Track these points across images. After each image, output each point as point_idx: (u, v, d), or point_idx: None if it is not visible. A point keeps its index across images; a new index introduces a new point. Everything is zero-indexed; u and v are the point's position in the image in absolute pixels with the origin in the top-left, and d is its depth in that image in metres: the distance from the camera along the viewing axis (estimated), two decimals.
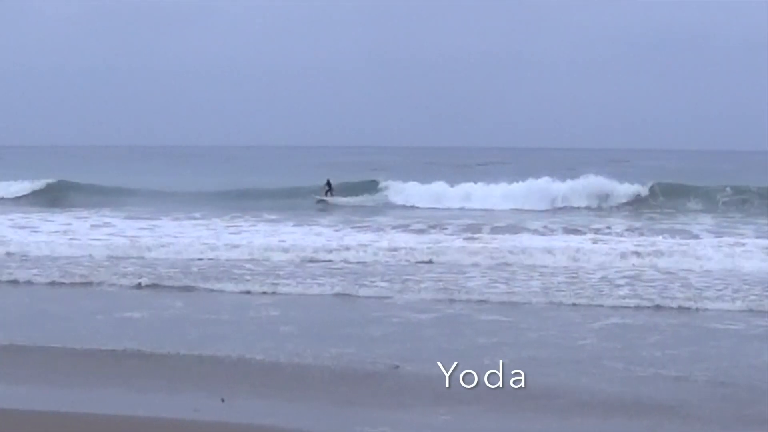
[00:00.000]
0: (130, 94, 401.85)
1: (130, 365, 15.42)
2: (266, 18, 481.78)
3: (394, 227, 36.72)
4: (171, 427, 11.69)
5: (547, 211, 47.39)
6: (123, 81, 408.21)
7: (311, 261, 27.57)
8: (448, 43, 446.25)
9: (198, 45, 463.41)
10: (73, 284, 24.02)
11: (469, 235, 34.10)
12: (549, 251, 28.00)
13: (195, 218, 40.00)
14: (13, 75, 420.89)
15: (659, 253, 27.71)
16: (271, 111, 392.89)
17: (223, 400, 13.02)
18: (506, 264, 26.87)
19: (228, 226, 36.98)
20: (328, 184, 52.86)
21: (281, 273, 25.39)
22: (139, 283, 23.55)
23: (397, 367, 15.06)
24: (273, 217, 41.02)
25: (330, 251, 28.59)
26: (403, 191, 53.32)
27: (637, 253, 27.69)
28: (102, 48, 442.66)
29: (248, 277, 24.48)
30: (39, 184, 57.21)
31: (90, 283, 24.04)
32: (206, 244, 30.09)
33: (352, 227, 36.60)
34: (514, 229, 36.06)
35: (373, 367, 15.35)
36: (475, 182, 53.83)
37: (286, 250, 28.68)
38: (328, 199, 51.31)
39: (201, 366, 15.39)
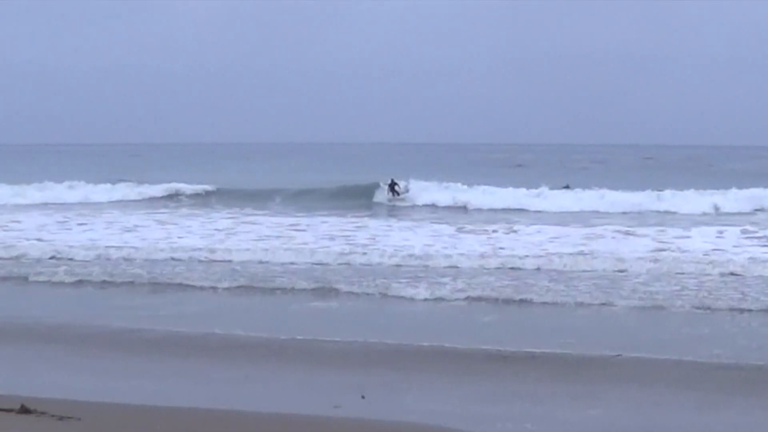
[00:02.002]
0: (262, 92, 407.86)
1: (277, 360, 15.47)
2: (403, 17, 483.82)
3: None
4: (311, 423, 11.64)
5: None
6: (255, 79, 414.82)
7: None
8: (582, 40, 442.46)
9: (336, 44, 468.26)
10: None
11: None
12: None
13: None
14: (146, 74, 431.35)
15: None
16: (407, 108, 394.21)
17: (363, 397, 12.91)
18: None
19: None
20: (393, 183, 51.15)
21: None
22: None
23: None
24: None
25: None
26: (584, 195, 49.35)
27: None
28: (234, 47, 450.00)
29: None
30: (202, 188, 55.62)
31: None
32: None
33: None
34: None
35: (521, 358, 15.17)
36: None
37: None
38: (396, 199, 49.55)
39: (341, 361, 15.39)
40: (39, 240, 31.67)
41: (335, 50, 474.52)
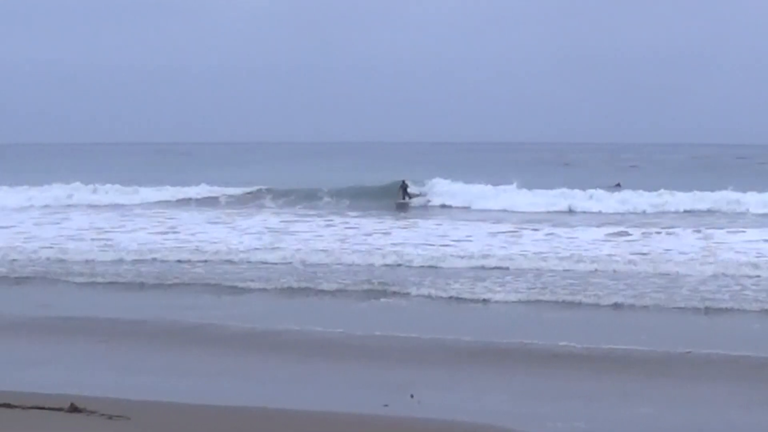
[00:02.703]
0: (321, 91, 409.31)
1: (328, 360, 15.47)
2: (450, 17, 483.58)
3: None
4: (360, 422, 11.60)
5: None
6: (313, 78, 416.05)
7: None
8: (635, 39, 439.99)
9: (382, 43, 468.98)
10: None
11: None
12: None
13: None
14: (203, 73, 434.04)
15: None
16: (457, 107, 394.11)
17: (412, 396, 12.86)
18: None
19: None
20: (405, 186, 50.17)
21: None
22: None
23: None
24: None
25: None
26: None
27: None
28: (290, 45, 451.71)
29: None
30: (248, 187, 55.06)
31: None
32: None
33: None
34: None
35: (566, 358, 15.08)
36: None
37: None
38: (407, 201, 48.61)
39: (390, 360, 15.36)
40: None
41: (380, 49, 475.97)
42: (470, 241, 31.27)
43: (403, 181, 50.14)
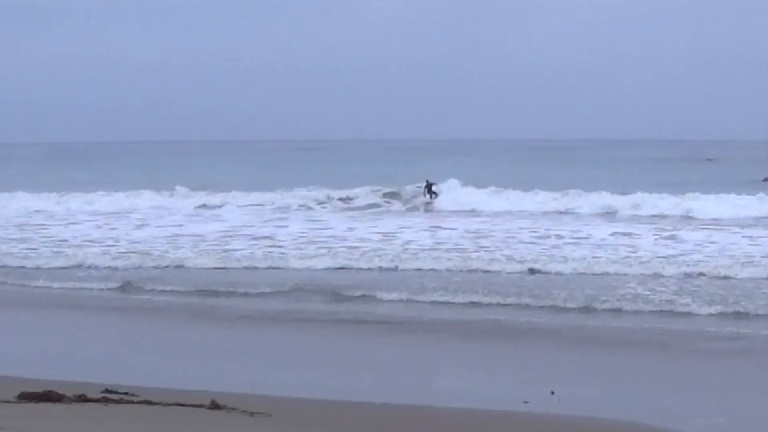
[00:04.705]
0: (459, 89, 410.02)
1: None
2: (595, 13, 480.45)
3: None
4: (500, 419, 11.52)
5: None
6: (452, 76, 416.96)
7: None
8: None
9: (522, 40, 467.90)
10: None
11: None
12: None
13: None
14: (342, 71, 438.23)
15: None
16: (603, 104, 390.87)
17: (552, 393, 12.72)
18: None
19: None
20: (429, 185, 46.67)
21: None
22: None
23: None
24: None
25: None
26: None
27: None
28: (428, 43, 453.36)
29: None
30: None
31: None
32: None
33: None
34: None
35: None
36: None
37: None
38: (432, 201, 45.35)
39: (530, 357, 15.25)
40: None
41: (521, 46, 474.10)
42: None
43: (427, 180, 47.96)
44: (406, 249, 28.27)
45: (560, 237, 30.13)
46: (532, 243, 29.07)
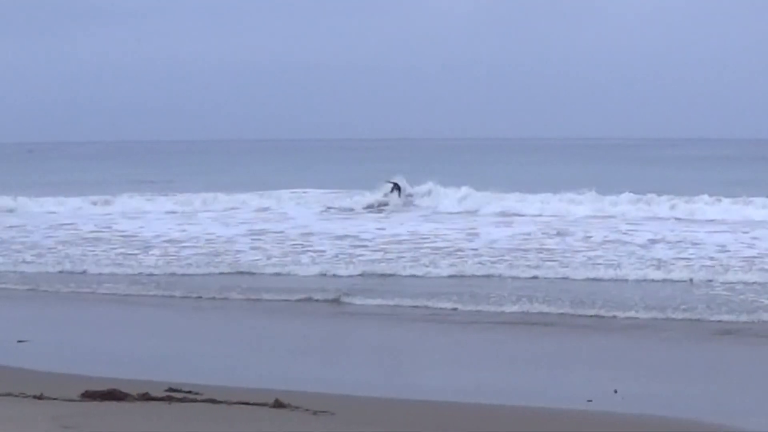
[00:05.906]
0: (527, 88, 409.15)
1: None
2: (653, 11, 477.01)
3: None
4: (563, 417, 11.49)
5: None
6: (515, 75, 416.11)
7: None
8: None
9: (579, 40, 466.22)
10: None
11: None
12: None
13: None
14: (404, 71, 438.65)
15: None
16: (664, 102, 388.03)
17: (615, 391, 12.65)
18: None
19: None
20: (395, 184, 44.39)
21: None
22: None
23: None
24: None
25: None
26: None
27: None
28: (492, 43, 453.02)
29: None
30: None
31: None
32: None
33: None
34: None
35: None
36: None
37: None
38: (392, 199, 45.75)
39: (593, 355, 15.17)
40: None
41: (577, 47, 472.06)
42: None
43: (390, 181, 47.10)
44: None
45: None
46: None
